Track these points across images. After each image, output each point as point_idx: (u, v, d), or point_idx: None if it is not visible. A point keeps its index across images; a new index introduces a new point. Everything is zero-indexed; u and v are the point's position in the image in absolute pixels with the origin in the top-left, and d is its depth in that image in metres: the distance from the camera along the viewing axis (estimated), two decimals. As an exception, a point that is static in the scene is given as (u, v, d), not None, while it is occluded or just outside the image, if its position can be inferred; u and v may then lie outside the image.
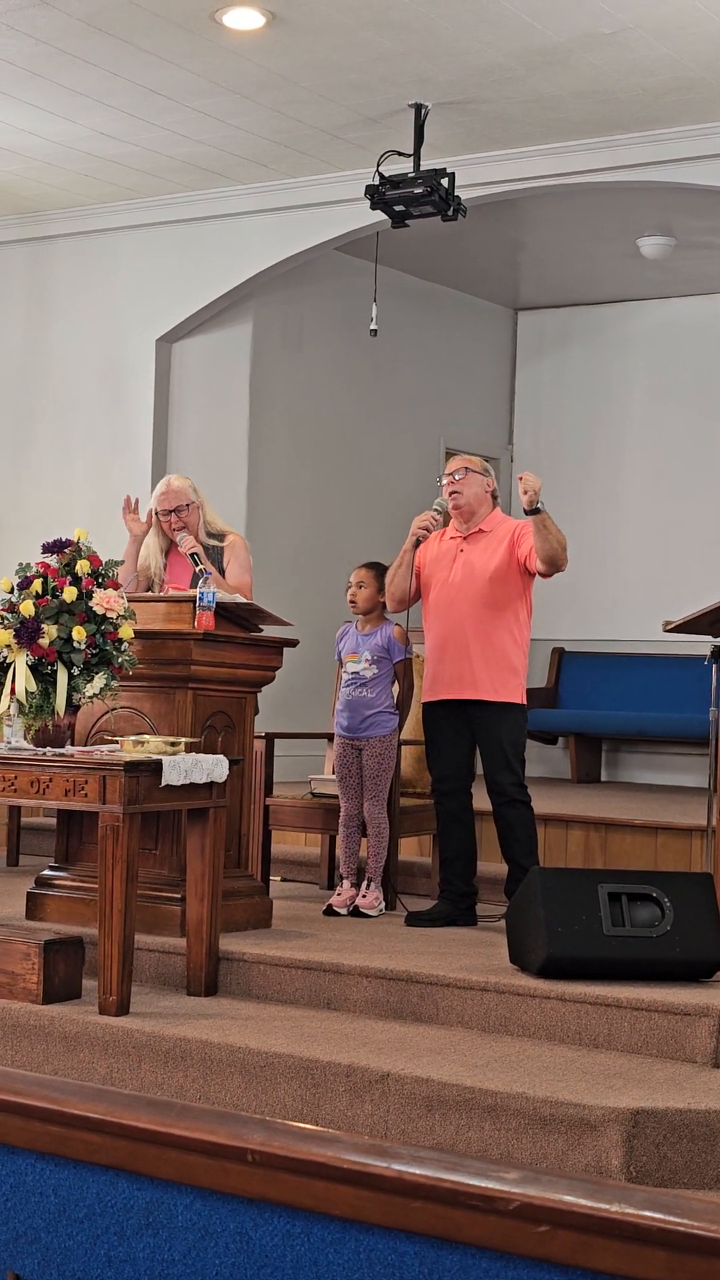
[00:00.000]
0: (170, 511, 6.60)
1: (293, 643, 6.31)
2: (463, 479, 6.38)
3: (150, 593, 6.58)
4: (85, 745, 5.93)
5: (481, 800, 6.39)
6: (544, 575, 6.24)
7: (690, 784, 10.20)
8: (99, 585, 5.55)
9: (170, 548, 6.71)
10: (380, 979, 5.36)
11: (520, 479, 6.08)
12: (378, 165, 7.82)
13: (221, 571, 6.57)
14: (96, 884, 5.34)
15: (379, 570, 6.67)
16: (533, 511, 6.06)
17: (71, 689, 5.48)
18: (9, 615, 5.51)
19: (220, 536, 6.72)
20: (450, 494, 6.38)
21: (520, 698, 6.32)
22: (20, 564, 5.68)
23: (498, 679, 6.26)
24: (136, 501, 6.82)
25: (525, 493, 6.04)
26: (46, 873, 6.25)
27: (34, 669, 5.46)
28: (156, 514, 6.66)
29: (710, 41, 6.89)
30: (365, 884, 6.55)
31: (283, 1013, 5.33)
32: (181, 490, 6.64)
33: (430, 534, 6.40)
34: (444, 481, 6.44)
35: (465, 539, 6.39)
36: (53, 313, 9.89)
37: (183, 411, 9.63)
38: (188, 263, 9.41)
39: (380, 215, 8.01)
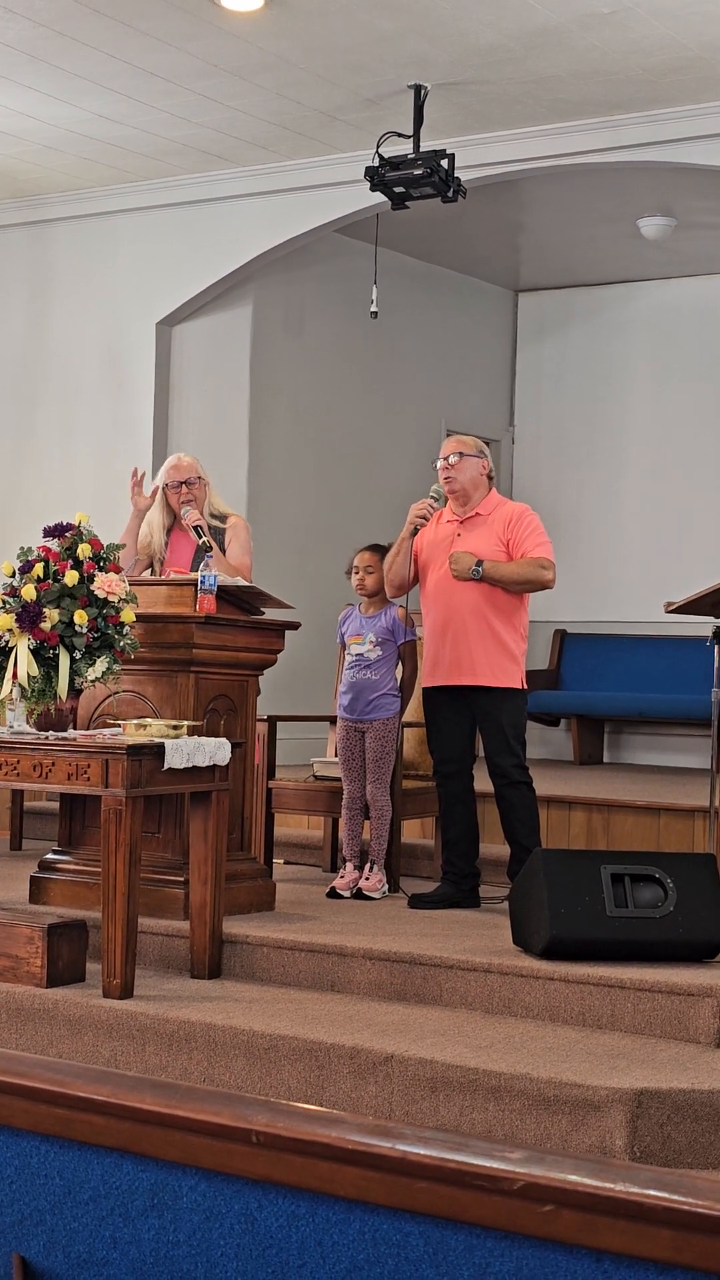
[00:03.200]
0: (181, 483, 6.62)
1: (294, 625, 6.31)
2: (457, 463, 6.36)
3: (151, 573, 6.60)
4: (88, 729, 5.93)
5: (483, 782, 6.39)
6: None
7: (692, 765, 10.21)
8: (100, 569, 5.55)
9: (173, 525, 6.72)
10: (384, 961, 5.37)
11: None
12: (377, 147, 7.80)
13: (223, 551, 6.57)
14: (100, 868, 5.35)
15: (383, 553, 6.66)
16: (478, 577, 6.16)
17: (73, 673, 5.48)
18: (11, 599, 5.51)
19: (222, 518, 6.74)
20: (445, 479, 6.38)
21: (519, 682, 6.31)
22: (22, 548, 5.68)
23: (496, 665, 6.25)
24: (144, 475, 6.85)
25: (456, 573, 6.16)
26: (49, 857, 6.25)
27: (36, 653, 5.46)
28: (165, 488, 6.68)
29: (710, 21, 6.87)
30: (368, 866, 6.56)
31: (286, 995, 5.34)
32: (192, 464, 6.69)
33: (428, 521, 6.40)
34: (439, 465, 6.43)
35: (462, 523, 6.38)
36: (53, 297, 9.87)
37: (184, 395, 9.62)
38: (187, 246, 9.40)
39: (380, 197, 7.99)
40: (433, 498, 6.39)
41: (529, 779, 6.31)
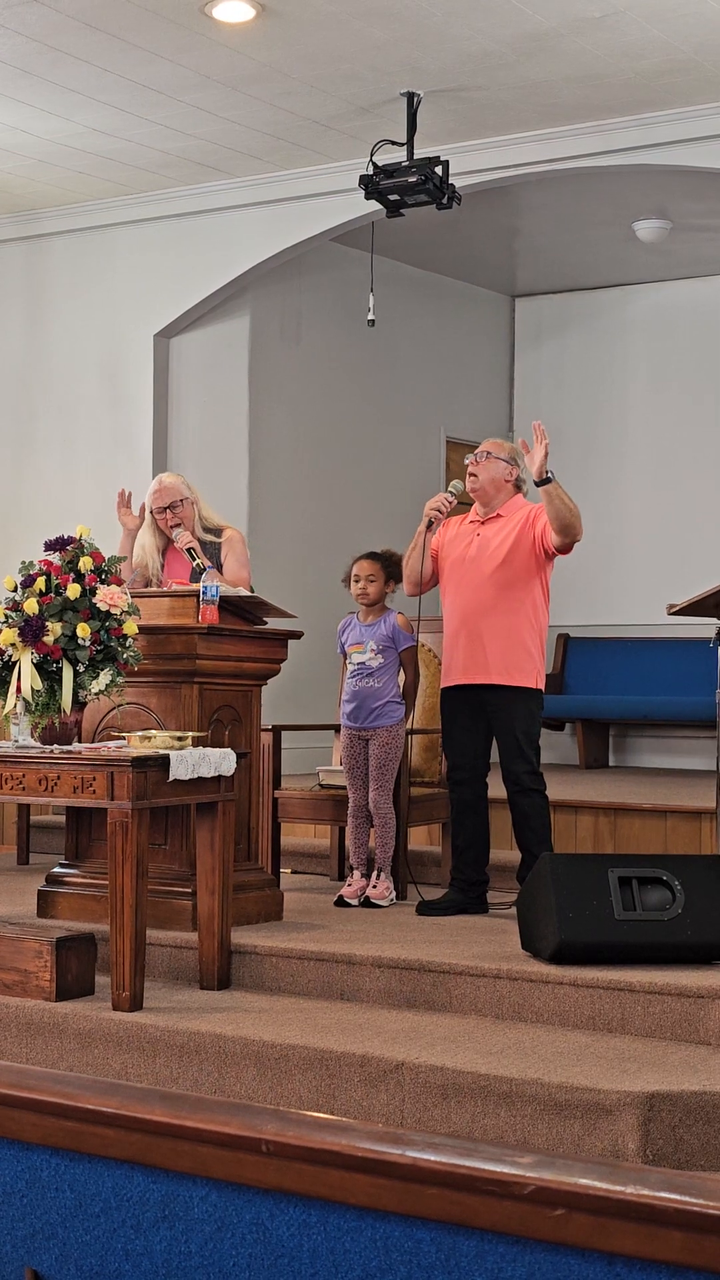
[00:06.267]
0: (165, 509, 6.60)
1: (297, 634, 6.31)
2: (483, 461, 6.40)
3: (153, 588, 6.59)
4: (92, 742, 5.93)
5: (496, 787, 6.38)
6: (560, 549, 6.22)
7: (699, 767, 10.20)
8: (102, 581, 5.56)
9: (166, 545, 6.71)
10: (393, 969, 5.36)
11: (525, 450, 6.13)
12: (371, 155, 7.81)
13: (219, 566, 6.56)
14: (107, 880, 5.35)
15: (383, 561, 6.66)
16: (544, 482, 6.09)
17: (77, 686, 5.48)
18: (13, 614, 5.52)
19: (217, 532, 6.72)
20: (469, 474, 6.41)
21: (535, 683, 6.28)
22: (23, 562, 5.69)
23: (511, 663, 6.23)
24: (129, 495, 6.83)
25: (534, 463, 6.09)
26: (57, 870, 6.25)
27: (39, 667, 5.46)
28: (151, 512, 6.66)
29: (701, 23, 6.88)
30: (375, 874, 6.55)
31: (296, 1004, 5.34)
32: (174, 487, 6.64)
33: (443, 516, 6.39)
34: (468, 459, 6.48)
35: (483, 523, 6.39)
36: (50, 311, 9.88)
37: (182, 406, 9.62)
38: (184, 257, 9.41)
39: (375, 205, 7.99)
40: (450, 493, 6.41)
41: (542, 786, 6.28)
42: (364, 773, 6.59)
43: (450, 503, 6.39)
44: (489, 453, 6.41)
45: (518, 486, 6.46)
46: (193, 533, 6.57)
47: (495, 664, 6.22)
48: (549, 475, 6.09)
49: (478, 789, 6.38)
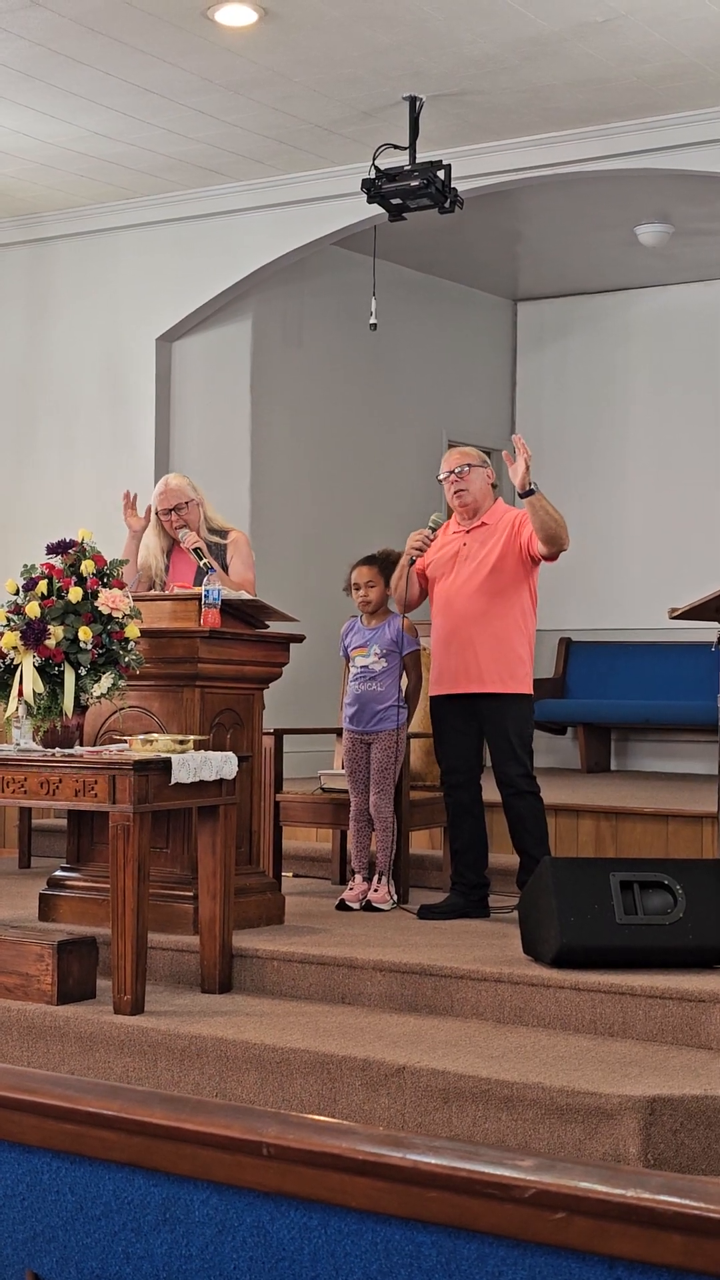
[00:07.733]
0: (170, 510, 6.60)
1: (299, 638, 6.31)
2: (466, 474, 6.36)
3: (155, 592, 6.59)
4: (94, 745, 5.93)
5: (491, 792, 6.39)
6: (547, 558, 6.21)
7: (700, 771, 10.20)
8: (104, 585, 5.56)
9: (171, 547, 6.71)
10: (394, 972, 5.36)
11: (509, 463, 6.11)
12: (373, 159, 7.81)
13: (224, 568, 6.56)
14: (108, 884, 5.34)
15: (380, 563, 6.66)
16: (527, 494, 6.07)
17: (79, 689, 5.48)
18: (15, 617, 5.52)
19: (222, 533, 6.72)
20: (456, 492, 6.37)
21: (526, 688, 6.30)
22: (25, 565, 5.69)
23: (503, 669, 6.24)
24: (135, 497, 6.83)
25: (516, 476, 6.06)
26: (58, 874, 6.25)
27: (41, 670, 5.46)
28: (157, 513, 6.66)
29: (703, 27, 6.88)
30: (377, 878, 6.55)
31: (297, 1008, 5.34)
32: (180, 488, 6.64)
33: (423, 552, 6.38)
34: (445, 478, 6.42)
35: (468, 533, 6.38)
36: (53, 314, 9.89)
37: (184, 410, 9.63)
38: (186, 261, 9.41)
39: (377, 209, 7.99)
40: (430, 528, 6.38)
41: (536, 788, 6.29)
42: (365, 776, 6.59)
43: (430, 539, 6.37)
44: (467, 464, 6.38)
45: (495, 487, 6.47)
46: (198, 534, 6.58)
47: (488, 672, 6.23)
48: (532, 487, 6.07)
49: (474, 792, 6.38)
